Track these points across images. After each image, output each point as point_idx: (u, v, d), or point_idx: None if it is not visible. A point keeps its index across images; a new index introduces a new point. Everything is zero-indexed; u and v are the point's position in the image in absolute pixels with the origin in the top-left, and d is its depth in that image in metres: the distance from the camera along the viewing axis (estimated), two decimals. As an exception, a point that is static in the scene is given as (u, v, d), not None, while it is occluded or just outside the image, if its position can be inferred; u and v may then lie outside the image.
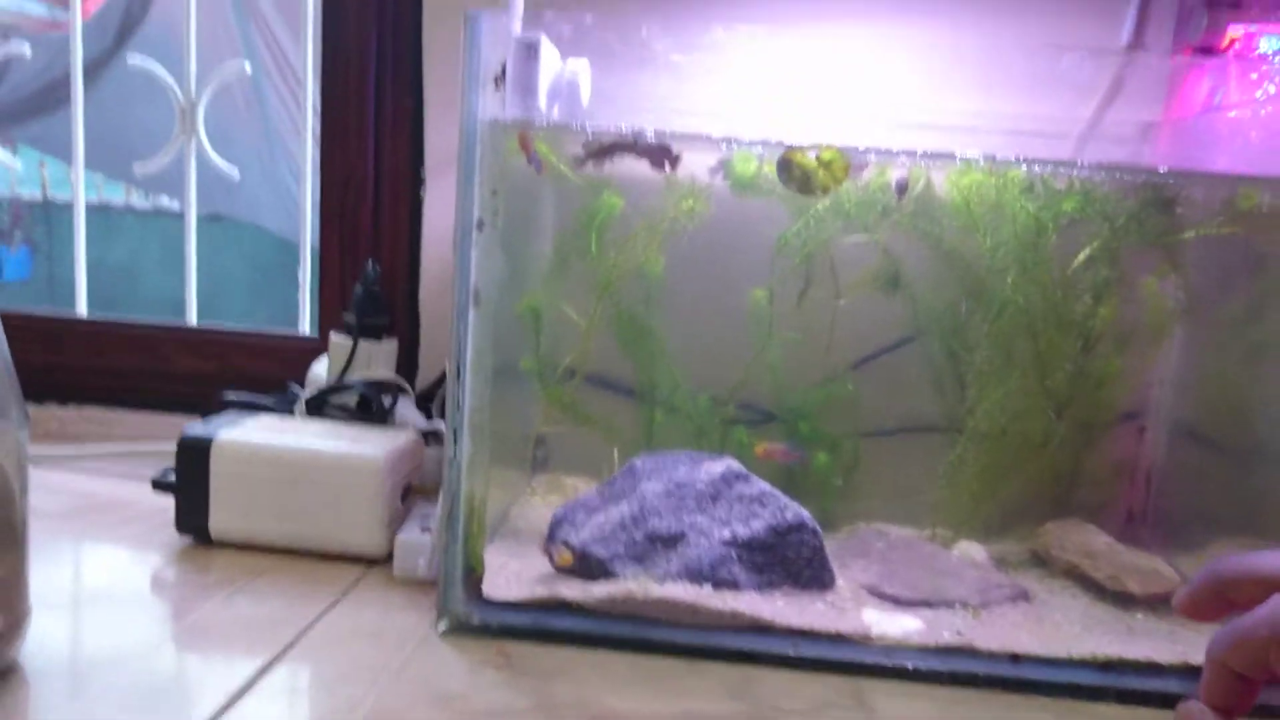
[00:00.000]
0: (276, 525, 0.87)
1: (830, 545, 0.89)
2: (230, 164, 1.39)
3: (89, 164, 1.50)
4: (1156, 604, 0.84)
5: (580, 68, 0.88)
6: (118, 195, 4.77)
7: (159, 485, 0.90)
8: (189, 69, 1.37)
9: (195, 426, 0.89)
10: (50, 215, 4.73)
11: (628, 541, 0.77)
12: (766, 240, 0.91)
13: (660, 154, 0.83)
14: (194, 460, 0.87)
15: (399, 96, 1.14)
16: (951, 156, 0.78)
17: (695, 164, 0.86)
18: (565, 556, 0.77)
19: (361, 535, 0.86)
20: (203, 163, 1.36)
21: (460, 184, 0.71)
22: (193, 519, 0.88)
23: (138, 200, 4.74)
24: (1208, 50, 1.01)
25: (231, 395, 1.01)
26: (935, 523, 0.93)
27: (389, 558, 0.86)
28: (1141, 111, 1.06)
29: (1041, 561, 0.91)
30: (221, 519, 0.87)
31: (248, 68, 1.46)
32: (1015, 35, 1.07)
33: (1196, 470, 0.93)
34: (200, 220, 1.45)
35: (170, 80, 1.37)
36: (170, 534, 0.89)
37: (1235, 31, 0.97)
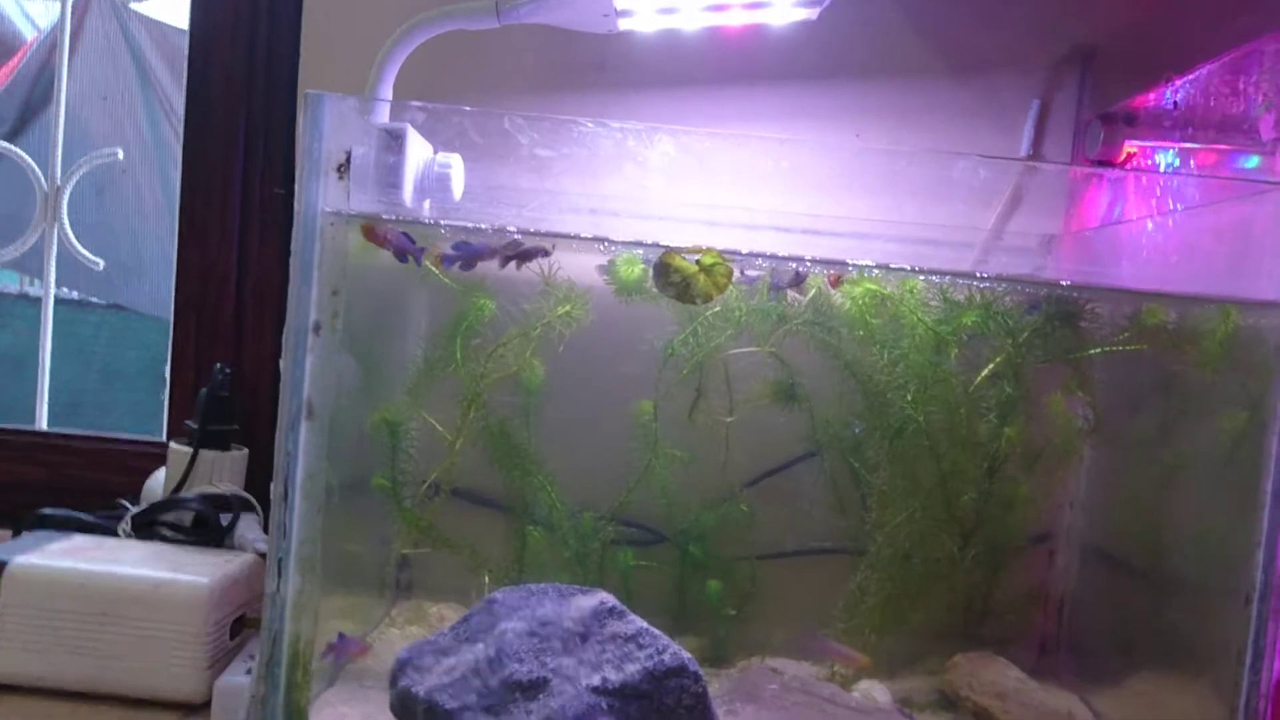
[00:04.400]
0: (76, 666, 0.75)
1: (718, 687, 0.80)
2: (132, 253, 1.30)
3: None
4: (1072, 753, 0.76)
5: (452, 161, 0.82)
6: (11, 282, 4.55)
7: (-59, 619, 0.77)
8: (55, 156, 1.28)
9: (-10, 550, 0.77)
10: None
11: (481, 690, 0.67)
12: (653, 348, 0.84)
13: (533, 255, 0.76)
14: (-17, 590, 0.75)
15: (268, 185, 1.06)
16: (844, 264, 0.73)
17: (571, 265, 0.79)
18: None
19: (177, 678, 0.75)
20: (109, 251, 1.27)
21: (295, 282, 0.63)
22: (-23, 660, 0.75)
23: (32, 288, 4.54)
24: (1105, 164, 1.00)
25: (49, 511, 0.89)
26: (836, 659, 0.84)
27: (209, 704, 0.74)
28: (1041, 223, 1.04)
29: (950, 702, 0.83)
30: (11, 659, 0.75)
31: (120, 155, 1.38)
32: (916, 143, 1.05)
33: (1110, 597, 0.87)
34: (100, 310, 1.35)
35: (34, 166, 1.28)
36: (-50, 678, 0.76)
37: (1132, 147, 0.96)
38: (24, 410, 1.24)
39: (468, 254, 0.77)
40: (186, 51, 1.13)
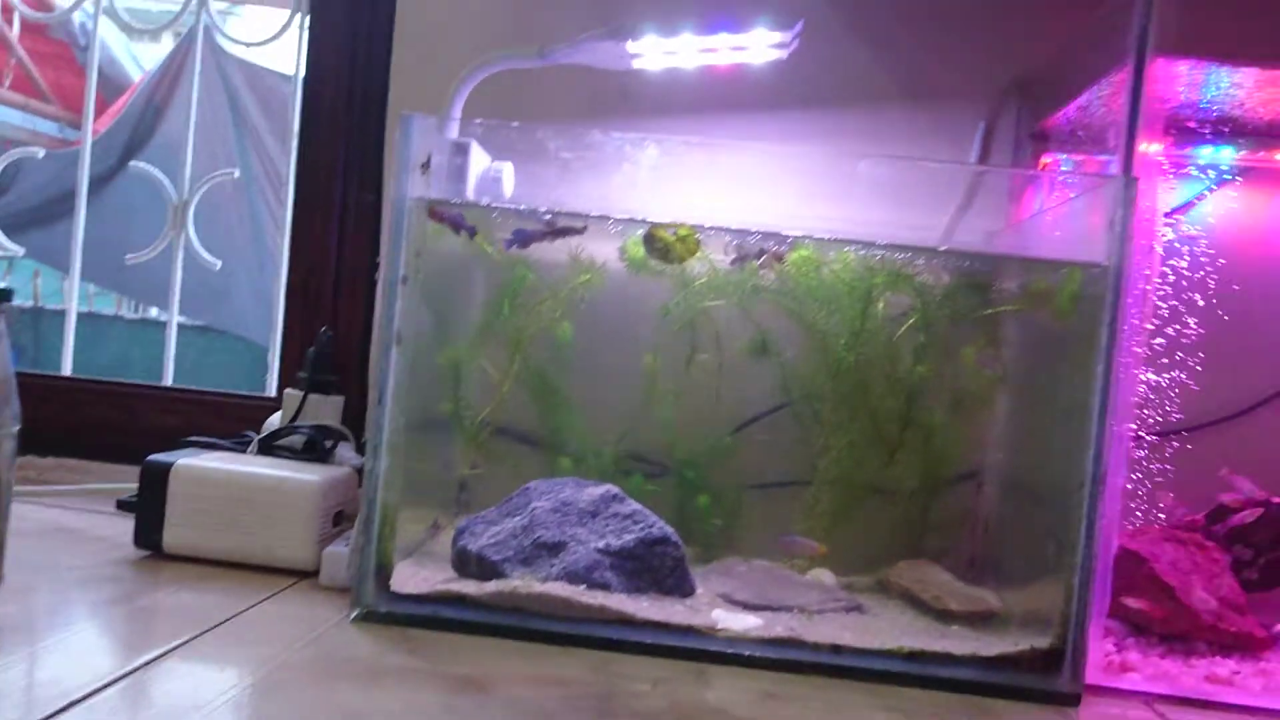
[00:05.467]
0: (223, 540, 1.01)
1: (701, 570, 1.03)
2: (219, 271, 1.58)
3: (85, 274, 1.67)
4: (975, 620, 0.97)
5: (504, 167, 1.08)
6: (108, 306, 4.97)
7: (123, 505, 1.04)
8: (184, 170, 1.57)
9: (159, 456, 1.04)
10: (39, 323, 4.89)
11: (517, 548, 0.92)
12: (656, 311, 1.08)
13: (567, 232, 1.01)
14: (155, 482, 1.01)
15: (362, 192, 1.34)
16: (783, 236, 0.97)
17: (591, 247, 1.04)
18: None
19: (296, 550, 1.00)
20: (194, 284, 1.56)
21: (390, 247, 0.89)
22: (150, 534, 1.01)
23: (127, 311, 4.95)
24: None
25: (194, 438, 1.16)
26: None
27: (318, 571, 0.99)
28: (991, 221, 1.26)
29: (884, 588, 1.05)
30: (175, 534, 1.01)
31: (236, 174, 1.67)
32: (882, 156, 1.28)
33: (1019, 516, 1.08)
34: (188, 330, 1.62)
35: (165, 180, 1.57)
36: (130, 549, 1.02)
37: (1047, 158, 1.19)
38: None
39: (522, 237, 1.03)
40: (280, 93, 1.42)
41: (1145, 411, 1.06)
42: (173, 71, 3.73)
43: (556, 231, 1.01)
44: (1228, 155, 1.13)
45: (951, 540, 1.13)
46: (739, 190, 1.05)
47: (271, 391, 1.42)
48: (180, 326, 1.64)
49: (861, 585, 1.06)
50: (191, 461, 1.03)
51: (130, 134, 4.09)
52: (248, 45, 1.62)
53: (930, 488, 1.10)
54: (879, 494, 1.09)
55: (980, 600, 1.00)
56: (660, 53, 1.12)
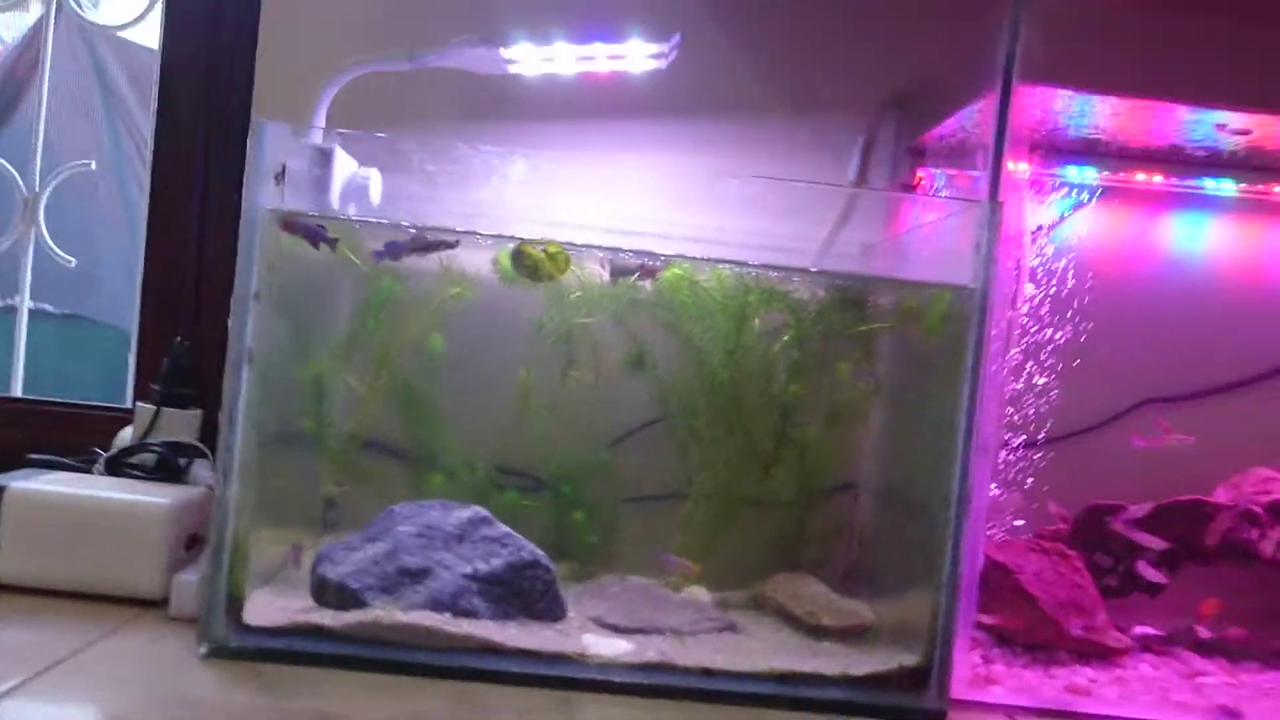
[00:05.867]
0: (64, 569, 0.94)
1: (575, 590, 1.01)
2: (90, 261, 1.48)
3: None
4: (848, 636, 0.98)
5: (371, 174, 1.03)
6: (-37, 294, 4.68)
7: (-50, 533, 0.96)
8: (35, 163, 1.47)
9: (-9, 479, 0.96)
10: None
11: (379, 575, 0.88)
12: (530, 324, 1.06)
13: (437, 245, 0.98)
14: (-14, 508, 0.94)
15: (225, 190, 1.27)
16: (655, 254, 0.95)
17: (464, 260, 1.01)
18: None
19: (143, 578, 0.94)
20: (58, 270, 1.46)
21: (241, 261, 0.84)
22: (-20, 564, 0.94)
23: (-14, 299, 4.66)
24: (908, 187, 1.24)
25: (34, 456, 1.08)
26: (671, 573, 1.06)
27: (168, 599, 0.94)
28: (865, 232, 1.27)
29: (759, 604, 1.05)
30: (9, 563, 0.94)
31: (93, 165, 1.56)
32: (763, 171, 1.27)
33: (892, 528, 1.09)
34: (54, 318, 1.51)
35: (13, 172, 1.46)
36: (-43, 580, 0.95)
37: (922, 172, 1.21)
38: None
39: (392, 249, 0.99)
40: (152, 69, 1.33)
41: (1015, 420, 1.09)
42: (36, 44, 3.49)
43: (427, 245, 0.98)
44: (1091, 175, 1.16)
45: (828, 551, 1.14)
46: (613, 201, 1.03)
47: (128, 402, 1.34)
48: (45, 315, 1.53)
49: (737, 601, 1.05)
50: (27, 485, 0.95)
51: (-11, 109, 3.83)
52: (104, 27, 1.52)
53: (806, 500, 1.10)
54: (755, 507, 1.08)
55: (853, 614, 1.00)
56: (537, 59, 1.08)
